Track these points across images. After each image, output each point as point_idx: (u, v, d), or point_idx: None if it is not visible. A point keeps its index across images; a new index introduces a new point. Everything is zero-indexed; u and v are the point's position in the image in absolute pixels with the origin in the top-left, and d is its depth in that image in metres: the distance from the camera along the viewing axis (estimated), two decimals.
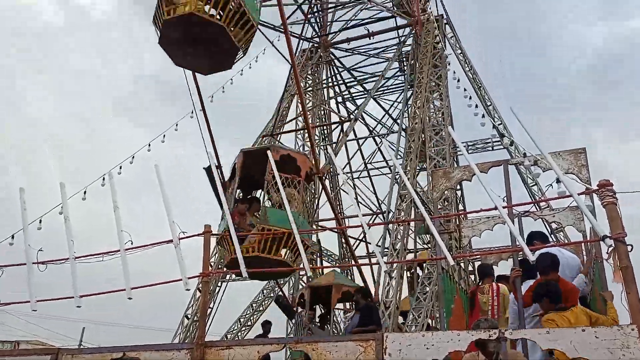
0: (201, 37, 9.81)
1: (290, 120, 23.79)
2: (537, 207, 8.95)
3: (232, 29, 9.62)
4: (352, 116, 23.57)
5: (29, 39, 53.81)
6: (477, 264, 16.54)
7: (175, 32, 9.93)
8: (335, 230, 20.23)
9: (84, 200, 13.00)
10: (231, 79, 21.15)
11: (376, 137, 25.45)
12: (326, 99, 25.86)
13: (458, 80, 17.84)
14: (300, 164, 10.40)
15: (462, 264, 17.16)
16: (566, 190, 4.67)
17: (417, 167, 19.75)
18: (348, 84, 26.03)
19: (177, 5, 9.47)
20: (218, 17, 9.43)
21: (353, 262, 17.18)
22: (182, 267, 4.76)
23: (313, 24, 23.96)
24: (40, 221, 12.24)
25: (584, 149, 6.55)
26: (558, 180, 4.91)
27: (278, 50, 15.90)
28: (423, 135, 20.53)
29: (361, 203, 25.33)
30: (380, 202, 25.02)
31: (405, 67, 24.51)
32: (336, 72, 25.77)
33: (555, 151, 6.57)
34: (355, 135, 26.03)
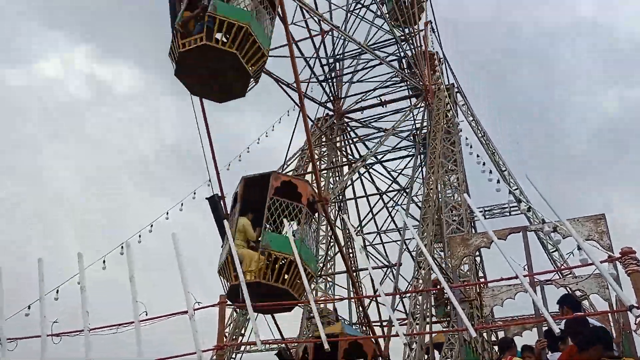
0: (214, 66, 10.40)
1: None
2: (560, 275, 8.72)
3: (243, 56, 10.22)
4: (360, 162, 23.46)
5: (55, 112, 56.21)
6: (500, 334, 15.91)
7: (190, 62, 10.51)
8: (354, 299, 19.81)
9: (104, 269, 13.08)
10: (247, 148, 21.61)
11: (388, 204, 25.23)
12: (339, 161, 26.05)
13: (470, 147, 18.03)
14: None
15: (484, 335, 16.55)
16: (588, 258, 4.57)
17: (433, 234, 19.52)
18: (360, 143, 26.20)
19: (192, 37, 10.18)
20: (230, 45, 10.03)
21: (371, 333, 16.65)
22: (196, 340, 4.67)
23: (329, 96, 24.62)
24: (57, 291, 12.24)
25: (603, 215, 6.47)
26: (579, 248, 4.82)
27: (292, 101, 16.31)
28: (438, 202, 20.49)
29: (372, 258, 24.66)
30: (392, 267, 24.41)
31: (417, 135, 24.80)
32: (350, 141, 26.09)
33: (574, 218, 6.49)
34: (368, 201, 25.89)
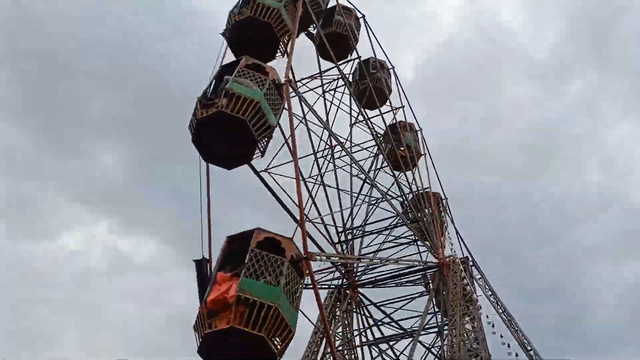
0: (225, 133, 12.02)
1: None
2: None
3: (251, 124, 12.09)
4: None
5: (74, 283, 56.63)
6: None
7: (206, 131, 12.20)
8: None
9: None
10: None
11: None
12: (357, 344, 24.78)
13: (493, 325, 17.09)
14: None
15: None
16: None
17: None
18: (379, 323, 25.12)
19: (211, 106, 12.30)
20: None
21: None
22: None
23: (340, 269, 24.43)
24: None
25: None
26: None
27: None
28: None
29: None
30: None
31: (435, 308, 23.90)
32: (366, 316, 25.15)
33: None
34: None
